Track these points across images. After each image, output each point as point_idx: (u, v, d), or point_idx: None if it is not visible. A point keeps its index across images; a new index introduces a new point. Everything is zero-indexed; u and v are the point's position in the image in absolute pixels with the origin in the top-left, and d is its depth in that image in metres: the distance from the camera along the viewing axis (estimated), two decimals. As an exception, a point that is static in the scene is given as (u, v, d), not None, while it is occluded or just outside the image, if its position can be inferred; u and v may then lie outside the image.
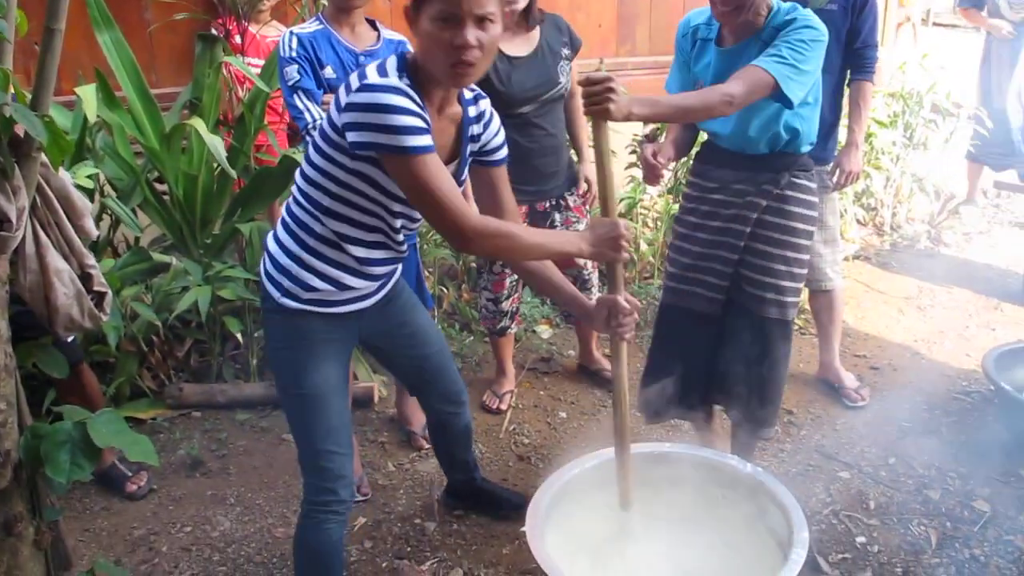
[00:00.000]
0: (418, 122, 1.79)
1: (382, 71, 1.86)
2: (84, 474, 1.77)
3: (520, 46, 3.19)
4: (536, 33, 3.21)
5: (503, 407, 3.61)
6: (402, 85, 1.82)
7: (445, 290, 4.32)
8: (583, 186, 3.46)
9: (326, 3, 2.92)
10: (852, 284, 4.74)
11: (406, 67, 1.89)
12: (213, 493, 3.10)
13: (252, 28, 4.21)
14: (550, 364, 3.99)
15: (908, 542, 2.79)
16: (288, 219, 2.08)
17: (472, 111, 2.08)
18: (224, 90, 3.92)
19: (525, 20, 3.18)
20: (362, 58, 2.77)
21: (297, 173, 2.04)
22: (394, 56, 1.91)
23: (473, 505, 2.92)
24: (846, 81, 3.38)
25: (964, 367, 3.93)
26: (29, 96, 1.85)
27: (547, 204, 3.37)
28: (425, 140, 1.80)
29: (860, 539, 2.81)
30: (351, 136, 1.82)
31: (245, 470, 3.23)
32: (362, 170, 1.91)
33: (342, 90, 1.88)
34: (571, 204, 3.42)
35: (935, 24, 8.37)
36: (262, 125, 3.80)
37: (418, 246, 3.12)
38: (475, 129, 2.09)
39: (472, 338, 4.13)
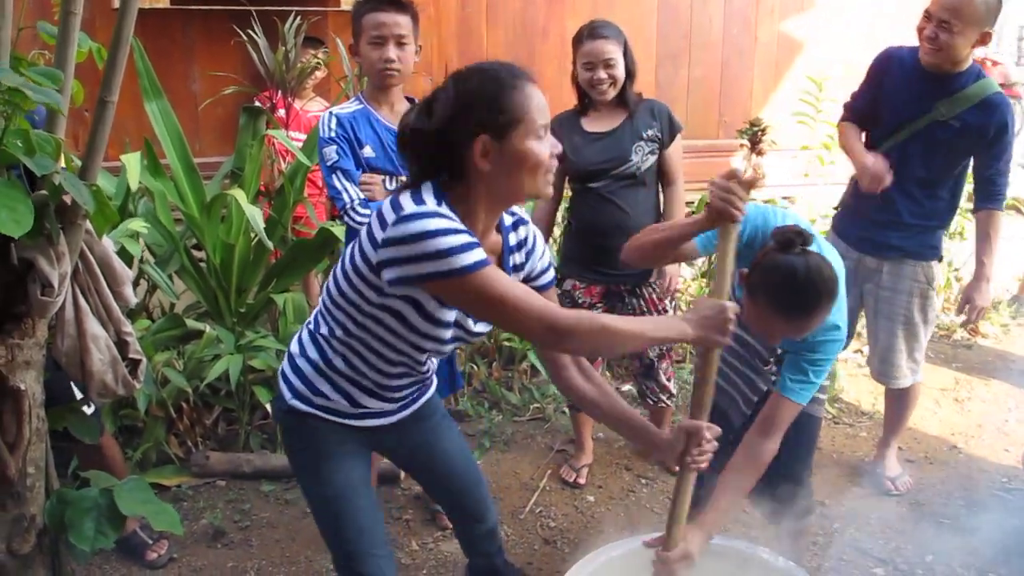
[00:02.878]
0: (467, 238, 1.66)
1: (418, 200, 1.72)
2: (108, 543, 1.76)
3: (603, 124, 3.29)
4: (623, 114, 3.28)
5: (580, 480, 3.58)
6: (440, 209, 1.69)
7: (476, 368, 4.30)
8: (667, 281, 3.40)
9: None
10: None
11: (442, 193, 1.76)
12: (234, 565, 3.06)
13: (296, 103, 4.31)
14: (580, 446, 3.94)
15: (946, 646, 2.69)
16: (312, 326, 2.03)
17: (512, 239, 1.98)
18: (266, 162, 4.00)
19: (619, 101, 3.26)
20: None
21: (327, 283, 1.96)
22: (429, 183, 1.78)
23: None
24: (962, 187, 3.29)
25: (1004, 462, 3.84)
26: (77, 162, 1.89)
27: (621, 287, 3.37)
28: (479, 254, 1.66)
29: (896, 640, 2.71)
30: (389, 273, 1.69)
31: (267, 543, 3.19)
32: (392, 306, 1.80)
33: (375, 221, 1.74)
34: (646, 294, 3.37)
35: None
36: (301, 198, 3.86)
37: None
38: (516, 258, 2.00)
39: (501, 417, 4.09)
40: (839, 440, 4.03)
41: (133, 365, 2.12)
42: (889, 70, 3.22)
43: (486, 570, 2.78)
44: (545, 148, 1.77)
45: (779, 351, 2.41)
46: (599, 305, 3.38)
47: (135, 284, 3.67)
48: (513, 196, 1.83)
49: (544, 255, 2.05)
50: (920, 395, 3.77)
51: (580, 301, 3.37)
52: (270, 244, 3.47)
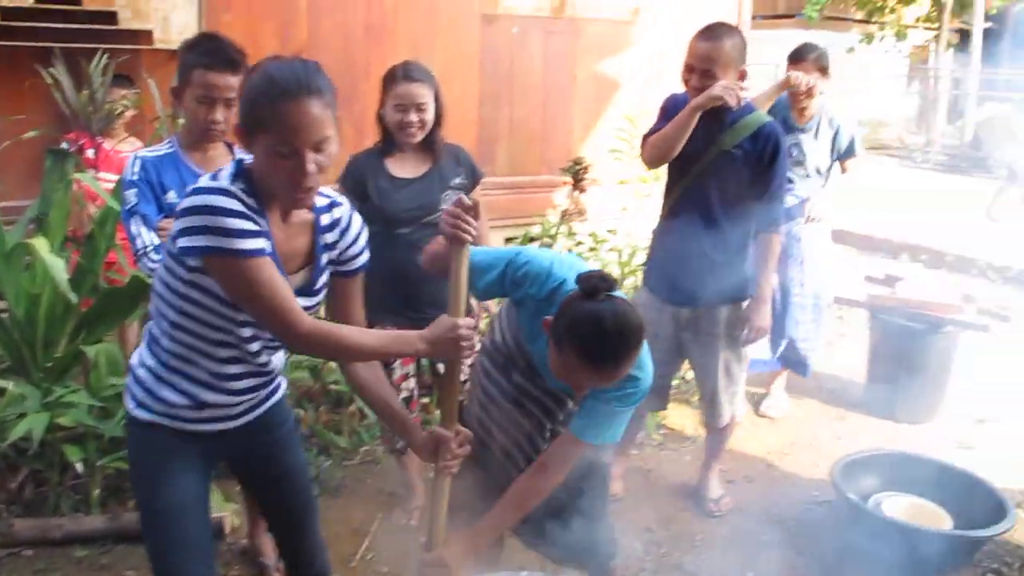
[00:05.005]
0: (249, 224, 1.77)
1: (214, 176, 1.86)
2: None
3: (410, 168, 3.26)
4: (429, 159, 3.28)
5: (413, 522, 3.54)
6: (233, 188, 1.81)
7: (303, 412, 4.21)
8: (482, 316, 3.43)
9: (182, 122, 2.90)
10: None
11: (242, 174, 1.86)
12: (44, 640, 2.86)
13: (107, 143, 4.13)
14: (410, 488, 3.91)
15: (766, 660, 2.81)
16: (146, 333, 2.06)
17: (325, 219, 2.04)
18: (74, 207, 3.80)
19: (424, 145, 3.25)
20: None
21: (151, 288, 2.00)
22: (232, 162, 1.89)
23: None
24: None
25: (815, 477, 4.07)
26: None
27: None
28: (257, 243, 1.78)
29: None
30: (181, 241, 1.78)
31: (81, 612, 3.00)
32: (199, 281, 1.86)
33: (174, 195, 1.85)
34: None
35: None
36: (113, 243, 3.69)
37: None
38: (329, 237, 2.06)
39: (330, 462, 4.01)
40: (664, 465, 4.17)
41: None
42: (676, 110, 3.40)
43: None
44: (286, 165, 1.79)
45: (570, 406, 2.42)
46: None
47: (-74, 341, 3.41)
48: (275, 196, 1.87)
49: (360, 239, 2.12)
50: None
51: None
52: (73, 297, 3.28)
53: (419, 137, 3.21)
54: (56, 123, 4.13)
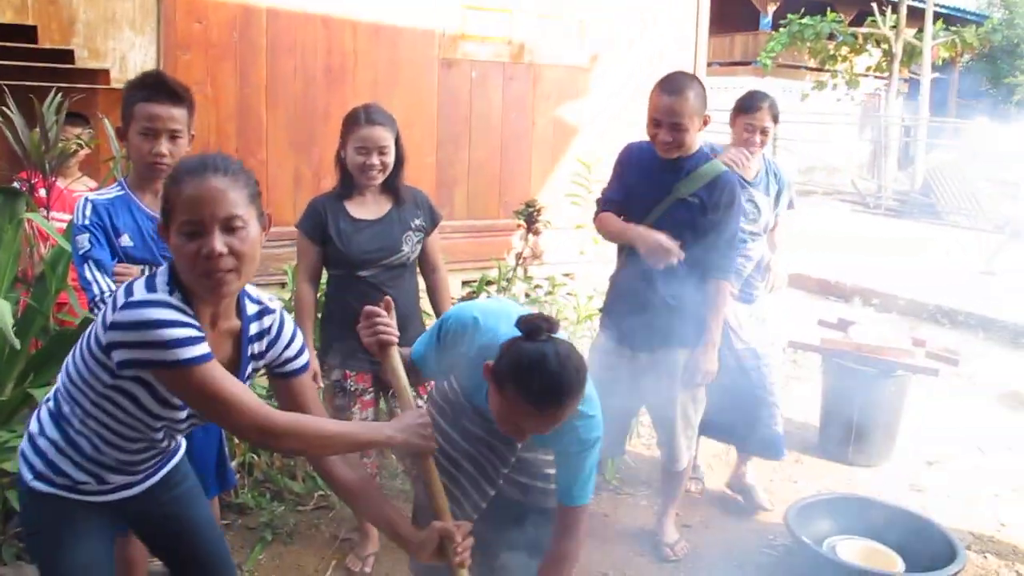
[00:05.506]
0: (190, 332, 1.72)
1: (150, 287, 1.78)
2: None
3: (369, 210, 3.27)
4: (388, 202, 3.30)
5: (367, 570, 3.48)
6: (170, 299, 1.75)
7: (256, 457, 4.14)
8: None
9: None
10: (664, 440, 4.90)
11: (176, 279, 1.80)
12: None
13: (61, 182, 4.08)
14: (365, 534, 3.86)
15: None
16: (52, 404, 1.98)
17: (254, 328, 1.99)
18: (25, 247, 3.74)
19: (384, 188, 3.27)
20: None
21: (66, 361, 1.93)
22: (166, 267, 1.83)
23: None
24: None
25: (770, 520, 4.09)
26: None
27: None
28: (201, 349, 1.72)
29: None
30: (117, 355, 1.72)
31: (22, 665, 2.91)
32: (124, 387, 1.82)
33: (110, 304, 1.77)
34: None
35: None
36: (64, 285, 3.63)
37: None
38: (256, 347, 2.00)
39: (284, 507, 3.94)
40: (621, 510, 4.16)
41: None
42: (631, 162, 3.50)
43: None
44: (195, 248, 1.74)
45: (518, 450, 2.41)
46: (370, 391, 3.36)
47: None
48: (192, 287, 1.80)
49: (294, 342, 2.05)
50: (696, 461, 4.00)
51: (352, 389, 3.33)
52: (16, 343, 3.22)
53: (380, 179, 3.23)
54: (8, 161, 4.07)
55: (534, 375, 1.94)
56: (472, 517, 2.40)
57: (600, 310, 3.79)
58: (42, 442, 1.95)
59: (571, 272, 5.47)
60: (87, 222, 2.64)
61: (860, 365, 4.78)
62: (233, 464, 3.38)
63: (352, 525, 3.79)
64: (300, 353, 2.06)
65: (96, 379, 1.82)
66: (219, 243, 1.73)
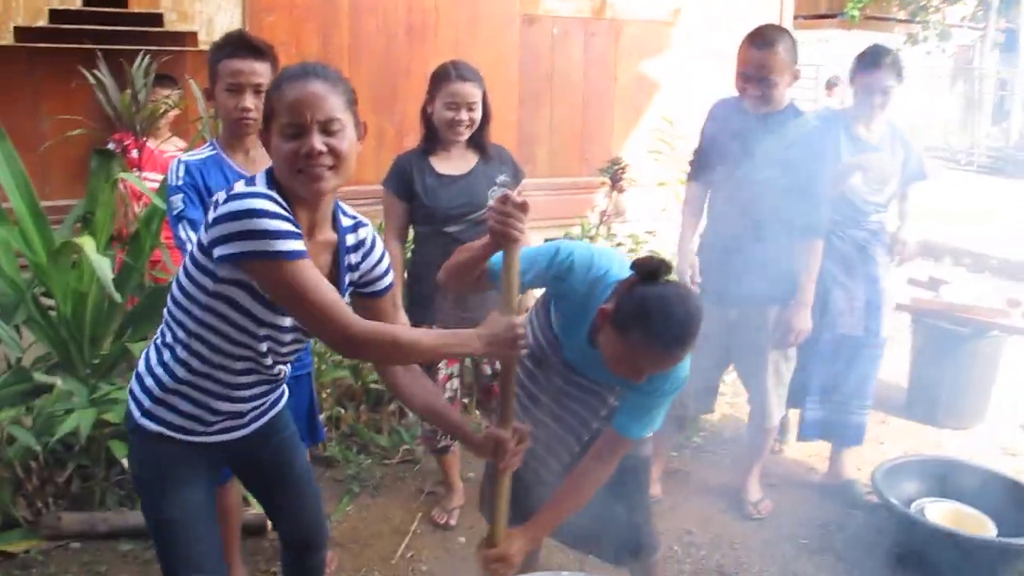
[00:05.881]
0: (289, 226, 1.74)
1: (249, 182, 1.84)
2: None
3: (454, 165, 3.29)
4: (475, 157, 3.30)
5: (452, 522, 3.57)
6: (270, 192, 1.79)
7: (343, 411, 4.24)
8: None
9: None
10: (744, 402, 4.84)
11: (275, 182, 1.86)
12: (89, 632, 2.91)
13: (151, 143, 4.18)
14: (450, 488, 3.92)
15: (807, 666, 2.79)
16: (158, 339, 2.03)
17: (350, 239, 2.03)
18: (120, 206, 3.86)
19: (470, 143, 3.29)
20: None
21: (168, 295, 1.98)
22: (263, 172, 1.88)
23: None
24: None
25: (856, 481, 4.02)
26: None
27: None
28: (297, 244, 1.74)
29: (760, 664, 2.79)
30: (219, 251, 1.75)
31: (126, 605, 3.05)
32: (225, 292, 1.85)
33: (212, 206, 1.82)
34: None
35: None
36: (158, 242, 3.74)
37: (313, 375, 3.06)
38: (352, 258, 2.04)
39: (370, 460, 4.03)
40: (704, 468, 4.14)
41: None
42: (720, 118, 3.45)
43: None
44: (295, 147, 1.80)
45: (612, 402, 2.41)
46: None
47: (-23, 337, 3.48)
48: (293, 189, 1.85)
49: (383, 261, 2.10)
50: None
51: None
52: (117, 297, 3.32)
53: (467, 135, 3.24)
54: (102, 124, 4.18)
55: (661, 318, 1.96)
56: (558, 473, 2.43)
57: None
58: (149, 380, 2.00)
59: (653, 230, 5.40)
60: (180, 183, 2.68)
61: (952, 325, 4.65)
62: (321, 418, 3.46)
63: (437, 479, 3.85)
64: (387, 272, 2.11)
65: (199, 289, 1.85)
66: (318, 142, 1.79)
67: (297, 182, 1.82)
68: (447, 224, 3.26)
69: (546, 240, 5.33)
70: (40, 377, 3.37)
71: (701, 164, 3.55)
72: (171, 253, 3.82)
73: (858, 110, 3.69)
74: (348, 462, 3.98)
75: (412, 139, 3.51)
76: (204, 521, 2.08)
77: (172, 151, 4.27)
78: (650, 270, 2.01)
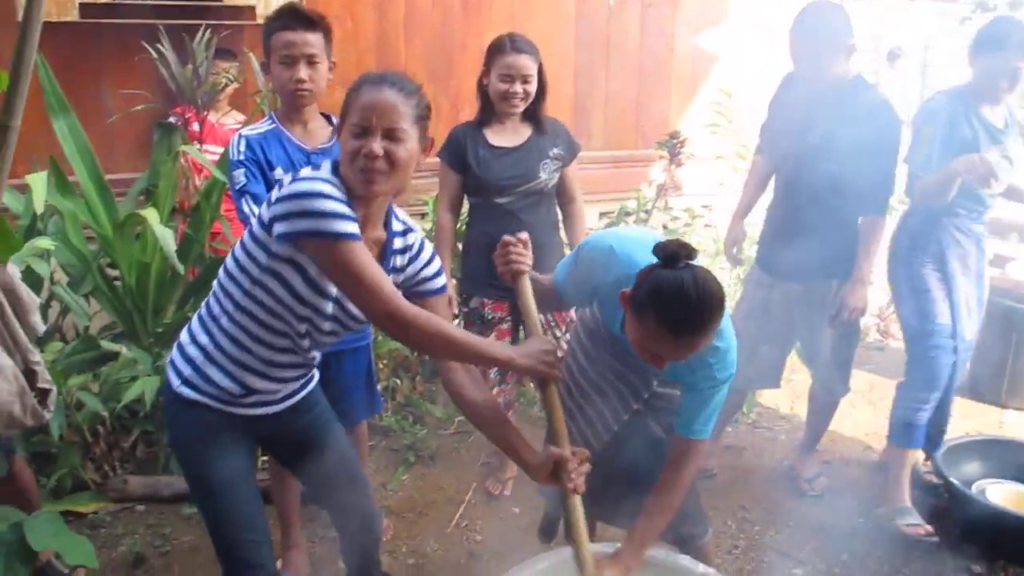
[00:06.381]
0: (347, 210, 1.83)
1: (315, 168, 1.94)
2: (18, 580, 1.70)
3: (508, 138, 3.30)
4: (528, 130, 3.31)
5: (506, 493, 3.62)
6: (332, 178, 1.88)
7: (399, 382, 4.29)
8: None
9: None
10: (804, 377, 4.79)
11: (338, 172, 1.93)
12: (154, 592, 3.00)
13: (212, 116, 4.24)
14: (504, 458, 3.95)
15: (862, 643, 2.77)
16: (203, 311, 2.10)
17: (398, 242, 2.09)
18: (181, 178, 3.92)
19: (525, 116, 3.29)
20: (313, 156, 2.74)
21: (222, 266, 2.05)
22: (328, 161, 1.96)
23: None
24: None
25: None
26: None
27: None
28: (353, 227, 1.82)
29: (814, 640, 2.78)
30: (279, 227, 1.84)
31: (190, 568, 3.13)
32: (276, 268, 1.91)
33: (276, 187, 1.91)
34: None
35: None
36: (218, 214, 3.80)
37: (371, 345, 3.09)
38: (398, 260, 2.10)
39: (425, 431, 4.08)
40: (759, 444, 4.12)
41: (42, 394, 2.07)
42: (785, 93, 3.42)
43: None
44: (357, 145, 1.88)
45: (655, 386, 2.40)
46: (508, 319, 3.40)
47: (46, 306, 3.57)
48: (350, 182, 1.92)
49: (432, 263, 2.16)
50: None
51: (490, 317, 3.39)
52: (180, 268, 3.40)
53: (521, 108, 3.24)
54: (164, 98, 4.26)
55: (672, 302, 1.92)
56: (596, 449, 2.43)
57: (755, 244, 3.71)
58: (191, 350, 2.07)
59: (709, 204, 5.35)
60: (242, 157, 2.71)
61: (1018, 303, 4.55)
62: (378, 388, 3.50)
63: (492, 449, 3.87)
64: (437, 275, 2.17)
65: (253, 262, 1.93)
66: (378, 145, 1.87)
67: (354, 178, 1.90)
68: (499, 195, 3.27)
69: (600, 215, 5.35)
70: (107, 345, 3.46)
71: (768, 138, 3.51)
72: (232, 225, 3.89)
73: (980, 91, 3.30)
74: (404, 432, 4.03)
75: (467, 113, 3.52)
76: (246, 486, 2.13)
77: (232, 124, 4.33)
78: (670, 254, 1.97)
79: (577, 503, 2.12)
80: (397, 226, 2.10)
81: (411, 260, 2.13)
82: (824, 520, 3.47)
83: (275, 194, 1.89)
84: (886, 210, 3.33)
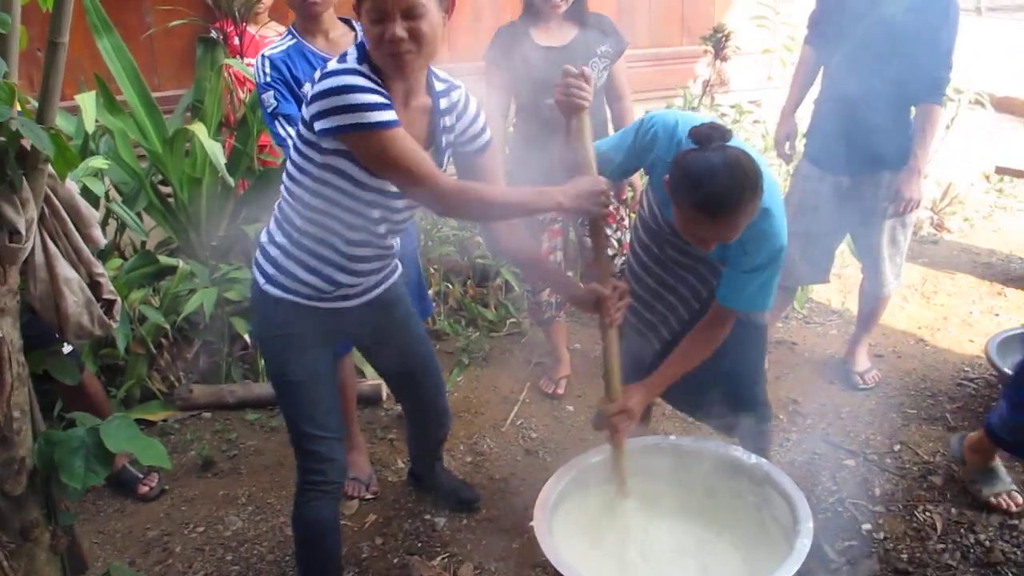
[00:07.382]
0: (379, 98, 1.84)
1: (342, 59, 1.93)
2: (98, 479, 1.78)
3: (554, 37, 3.25)
4: (574, 28, 3.26)
5: (559, 391, 3.68)
6: (359, 67, 1.88)
7: (450, 286, 4.34)
8: (626, 190, 3.47)
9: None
10: (855, 272, 4.75)
11: (366, 57, 1.93)
12: (225, 493, 3.13)
13: (251, 29, 4.23)
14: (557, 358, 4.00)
15: (913, 528, 2.81)
16: (277, 212, 2.15)
17: (444, 102, 2.10)
18: (226, 92, 3.94)
19: (569, 15, 3.24)
20: None
21: (283, 172, 2.09)
22: (354, 47, 1.96)
23: (429, 492, 3.03)
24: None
25: (968, 353, 3.94)
26: (32, 103, 1.87)
27: None
28: (388, 115, 1.84)
29: (866, 526, 2.83)
30: (319, 125, 1.86)
31: (256, 470, 3.26)
32: (333, 163, 1.94)
33: (308, 86, 1.93)
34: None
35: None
36: (264, 127, 3.82)
37: (418, 251, 3.12)
38: (447, 120, 2.11)
39: (478, 334, 4.15)
40: (810, 339, 4.12)
41: (108, 305, 2.13)
42: None
43: (423, 474, 2.98)
44: (379, 32, 1.85)
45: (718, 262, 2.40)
46: (559, 220, 3.42)
47: (103, 224, 3.65)
48: (382, 66, 1.92)
49: (479, 118, 2.17)
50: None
51: (541, 217, 3.37)
52: (231, 181, 3.44)
53: (564, 7, 3.17)
54: (203, 13, 4.24)
55: (702, 183, 1.95)
56: (670, 344, 2.47)
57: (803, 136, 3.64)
58: (272, 249, 2.13)
59: (757, 99, 5.23)
60: (268, 79, 2.68)
61: None
62: (430, 293, 3.55)
63: (544, 350, 3.94)
64: (484, 130, 2.18)
65: (309, 163, 1.96)
66: (399, 29, 1.85)
67: (385, 64, 1.91)
68: (547, 95, 3.23)
69: (647, 112, 5.26)
70: (164, 260, 3.55)
71: (817, 26, 3.40)
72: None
73: None
74: (457, 335, 4.11)
75: (511, 13, 3.46)
76: (325, 383, 2.23)
77: (272, 36, 4.31)
78: (703, 137, 2.00)
79: (613, 336, 2.26)
80: (439, 86, 2.10)
81: (459, 116, 2.14)
82: (876, 412, 3.49)
83: (309, 91, 1.90)
84: (943, 98, 3.23)
